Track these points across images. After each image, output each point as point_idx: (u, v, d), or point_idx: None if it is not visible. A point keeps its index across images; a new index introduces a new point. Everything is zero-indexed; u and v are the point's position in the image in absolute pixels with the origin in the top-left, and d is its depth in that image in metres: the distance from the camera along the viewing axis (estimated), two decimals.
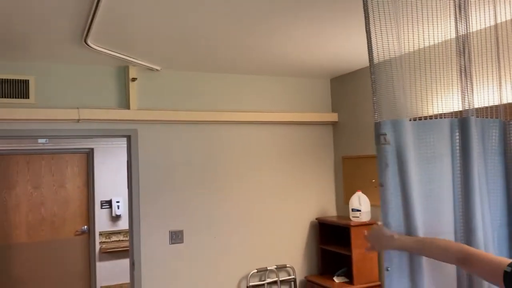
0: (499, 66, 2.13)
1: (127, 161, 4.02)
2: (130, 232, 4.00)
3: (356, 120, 4.43)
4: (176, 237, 4.04)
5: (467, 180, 1.97)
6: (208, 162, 4.21)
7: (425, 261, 1.81)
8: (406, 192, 1.80)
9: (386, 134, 1.79)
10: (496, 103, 2.14)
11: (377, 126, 1.80)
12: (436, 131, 1.94)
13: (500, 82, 2.13)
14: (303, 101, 4.64)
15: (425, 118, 1.97)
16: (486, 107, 2.13)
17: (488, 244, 1.98)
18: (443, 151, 1.94)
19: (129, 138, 3.96)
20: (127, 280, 4.20)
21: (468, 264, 1.55)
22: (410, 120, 1.91)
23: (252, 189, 4.36)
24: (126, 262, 5.65)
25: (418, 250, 1.70)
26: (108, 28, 2.89)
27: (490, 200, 2.02)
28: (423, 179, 1.90)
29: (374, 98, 1.79)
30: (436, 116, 2.00)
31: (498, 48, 2.12)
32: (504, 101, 2.13)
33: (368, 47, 1.83)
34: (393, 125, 1.82)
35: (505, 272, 1.38)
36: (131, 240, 3.97)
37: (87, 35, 2.96)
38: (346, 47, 3.53)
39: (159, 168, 4.02)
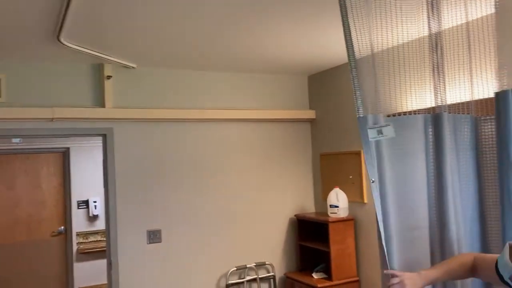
0: (470, 63, 2.16)
1: (103, 160, 3.97)
2: (107, 232, 3.95)
3: (334, 117, 4.46)
4: (154, 236, 4.00)
5: (441, 175, 2.01)
6: (185, 160, 4.18)
7: None
8: (386, 187, 1.82)
9: (385, 126, 1.79)
10: (468, 99, 2.18)
11: (364, 120, 1.81)
12: (410, 127, 1.97)
13: (471, 79, 2.17)
14: (280, 98, 4.65)
15: (399, 114, 2.00)
16: (458, 103, 2.16)
17: (460, 238, 2.02)
18: (417, 147, 1.98)
19: (104, 137, 3.90)
20: (106, 281, 4.16)
21: (475, 269, 1.60)
22: (388, 116, 1.93)
23: (230, 187, 4.35)
24: (104, 262, 5.56)
25: (446, 278, 1.73)
26: (82, 25, 2.83)
27: (463, 195, 2.05)
28: (398, 175, 1.93)
29: (357, 93, 1.80)
30: (410, 112, 2.03)
31: (469, 45, 2.16)
32: (476, 97, 2.17)
33: (346, 44, 1.84)
34: (375, 121, 1.83)
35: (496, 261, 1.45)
36: (108, 240, 3.92)
37: (59, 32, 2.91)
38: (323, 44, 3.55)
39: (136, 167, 3.98)
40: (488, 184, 2.10)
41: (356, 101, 1.79)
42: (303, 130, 4.76)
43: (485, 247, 2.11)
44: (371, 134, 1.76)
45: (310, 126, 4.79)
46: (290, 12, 2.78)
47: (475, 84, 2.16)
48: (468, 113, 2.14)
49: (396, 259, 1.86)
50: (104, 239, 6.22)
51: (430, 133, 2.03)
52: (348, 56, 1.81)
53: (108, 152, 3.89)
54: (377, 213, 1.78)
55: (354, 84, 1.79)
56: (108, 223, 3.89)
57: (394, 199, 1.88)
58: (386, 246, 1.81)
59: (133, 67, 3.94)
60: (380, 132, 1.75)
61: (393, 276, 1.70)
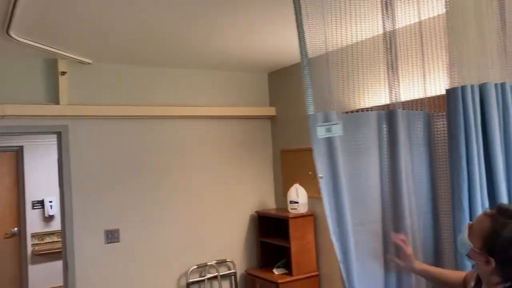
0: (423, 61, 2.22)
1: (58, 159, 3.84)
2: (62, 232, 3.83)
3: (294, 114, 4.49)
4: (112, 236, 3.92)
5: (395, 170, 2.05)
6: (144, 158, 4.10)
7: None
8: (338, 183, 1.84)
9: (337, 124, 1.81)
10: (421, 96, 2.24)
11: (314, 117, 1.82)
12: (364, 123, 2.01)
13: (424, 76, 2.23)
14: (241, 95, 4.64)
15: (354, 111, 2.03)
16: (412, 100, 2.22)
17: (414, 231, 2.08)
18: (371, 143, 2.01)
19: (59, 134, 3.78)
20: (62, 283, 4.04)
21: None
22: (343, 113, 1.96)
23: (191, 184, 4.31)
24: (61, 264, 5.42)
25: (433, 277, 1.89)
26: (33, 19, 2.73)
27: (416, 190, 2.11)
28: (352, 170, 1.96)
29: (308, 91, 1.81)
30: (364, 109, 2.06)
31: (422, 44, 2.22)
32: (428, 94, 2.23)
33: (300, 44, 1.85)
34: (326, 118, 1.85)
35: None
36: (63, 241, 3.81)
37: (9, 25, 2.78)
38: (283, 41, 3.56)
39: (92, 165, 3.87)
40: (440, 179, 2.17)
41: (307, 98, 1.81)
42: (263, 127, 4.77)
43: (437, 240, 2.17)
44: (320, 131, 1.78)
45: (271, 123, 4.81)
46: (249, 8, 2.77)
47: (428, 82, 2.22)
48: (421, 110, 2.20)
49: (352, 254, 1.88)
50: (61, 240, 6.04)
51: (385, 129, 2.08)
52: (301, 53, 1.82)
53: (63, 151, 3.77)
54: (325, 209, 1.81)
55: (305, 81, 1.80)
56: (64, 223, 3.77)
57: (349, 194, 1.91)
58: (342, 241, 1.84)
59: (88, 63, 3.83)
60: (329, 130, 1.78)
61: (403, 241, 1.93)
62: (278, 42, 3.58)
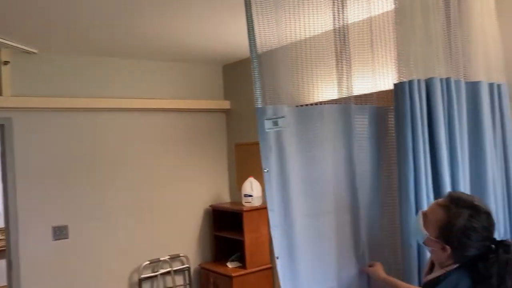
0: (373, 56, 2.26)
1: (1, 153, 3.66)
2: (6, 229, 3.67)
3: (249, 107, 4.48)
4: (60, 232, 3.78)
5: (349, 163, 2.08)
6: (94, 151, 3.98)
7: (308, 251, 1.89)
8: (287, 176, 1.85)
9: (282, 117, 1.81)
10: (371, 90, 2.28)
11: (262, 111, 1.80)
12: (317, 117, 2.02)
13: (374, 71, 2.27)
14: (195, 88, 4.58)
15: (307, 105, 2.04)
16: (362, 95, 2.26)
17: (365, 222, 2.12)
18: (324, 136, 2.03)
19: (2, 127, 3.60)
20: (5, 283, 3.86)
21: None
22: (295, 106, 1.96)
23: (143, 178, 4.23)
24: (3, 262, 5.18)
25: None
26: None
27: (366, 181, 2.15)
28: (305, 164, 1.97)
29: (257, 84, 1.79)
30: (317, 103, 2.08)
31: (372, 39, 2.26)
32: (378, 89, 2.27)
33: (249, 36, 1.83)
34: (276, 111, 1.84)
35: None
36: (7, 238, 3.65)
37: None
38: (237, 33, 3.53)
39: (38, 159, 3.71)
40: (391, 172, 2.22)
41: (255, 91, 1.79)
42: (218, 121, 4.74)
43: (386, 233, 2.23)
44: (267, 125, 1.78)
45: (225, 117, 4.79)
46: (207, 1, 2.73)
47: (377, 77, 2.27)
48: (372, 104, 2.24)
49: (300, 245, 1.89)
50: (4, 237, 5.78)
51: (337, 123, 2.10)
52: (250, 46, 1.80)
53: (6, 144, 3.60)
54: (268, 203, 1.80)
55: (254, 74, 1.78)
56: (8, 219, 3.61)
57: (299, 188, 1.92)
58: (287, 234, 1.83)
59: (34, 53, 3.66)
60: (275, 123, 1.77)
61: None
62: (233, 34, 3.55)
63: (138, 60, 4.23)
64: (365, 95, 2.25)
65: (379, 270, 2.01)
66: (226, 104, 4.69)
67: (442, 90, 2.06)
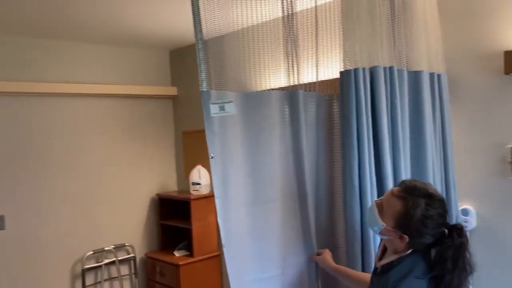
0: (320, 44, 2.28)
1: None
2: None
3: (196, 94, 4.33)
4: None
5: (296, 150, 2.10)
6: (33, 138, 3.79)
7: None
8: (233, 163, 1.83)
9: (230, 102, 1.78)
10: (319, 78, 2.30)
11: (207, 95, 1.76)
12: (265, 103, 2.01)
13: (321, 59, 2.29)
14: (141, 73, 4.46)
15: (255, 92, 2.03)
16: (310, 83, 2.27)
17: (312, 209, 2.15)
18: (271, 123, 2.03)
19: None
20: None
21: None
22: (242, 92, 1.94)
23: (87, 166, 4.08)
24: None
25: (344, 276, 1.98)
26: None
27: (314, 168, 2.18)
28: (253, 150, 1.96)
29: (202, 67, 1.75)
30: (265, 90, 2.07)
31: (317, 27, 2.27)
32: (325, 77, 2.30)
33: (194, 20, 1.79)
34: (222, 96, 1.81)
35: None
36: None
37: None
38: (184, 18, 3.44)
39: None
40: (336, 158, 2.27)
41: (200, 74, 1.75)
42: (164, 107, 4.65)
43: (331, 219, 2.27)
44: (213, 109, 1.74)
45: (172, 103, 4.70)
46: None
47: (324, 65, 2.29)
48: (319, 91, 2.26)
49: (245, 233, 1.89)
50: None
51: (286, 109, 2.10)
52: (195, 29, 1.76)
53: None
54: (215, 190, 1.77)
55: (199, 56, 1.74)
56: None
57: (246, 174, 1.91)
58: (233, 221, 1.82)
59: None
60: (222, 108, 1.74)
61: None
62: (180, 19, 3.47)
63: (82, 43, 4.06)
64: (312, 83, 2.27)
65: (327, 259, 2.02)
66: (173, 91, 4.60)
67: (385, 79, 2.11)
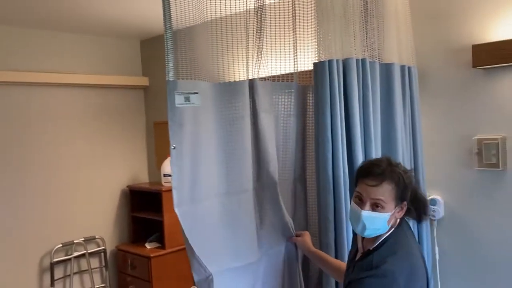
0: (295, 35, 2.29)
1: None
2: None
3: None
4: None
5: (269, 140, 2.10)
6: None
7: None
8: (196, 153, 1.79)
9: (195, 93, 1.75)
10: (293, 69, 2.31)
11: (174, 85, 1.73)
12: (236, 94, 2.00)
13: (295, 50, 2.30)
14: (111, 63, 4.37)
15: (223, 82, 2.02)
16: (284, 74, 2.28)
17: (288, 198, 2.17)
18: (244, 113, 2.02)
19: None
20: None
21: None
22: (211, 83, 1.93)
23: (56, 157, 3.98)
24: None
25: (321, 261, 2.02)
26: None
27: (289, 157, 2.20)
28: (224, 140, 1.94)
29: (170, 56, 1.72)
30: (236, 81, 2.06)
31: (294, 18, 2.28)
32: (300, 68, 2.31)
33: (163, 7, 1.76)
34: (190, 87, 1.78)
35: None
36: None
37: None
38: (155, 8, 3.40)
39: None
40: (309, 150, 2.29)
41: (167, 63, 1.71)
42: (135, 98, 4.58)
43: (305, 209, 2.30)
44: (178, 100, 1.71)
45: (143, 94, 4.63)
46: None
47: (299, 56, 2.31)
48: (293, 81, 2.27)
49: (217, 223, 1.88)
50: None
51: (255, 99, 2.09)
52: (164, 18, 1.73)
53: None
54: (173, 181, 1.70)
55: (167, 46, 1.71)
56: None
57: (215, 165, 1.89)
58: (197, 213, 1.79)
59: None
60: (187, 99, 1.72)
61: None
62: (151, 8, 3.42)
63: (50, 32, 3.94)
64: (286, 74, 2.28)
65: (306, 241, 2.05)
66: (144, 81, 4.54)
67: (358, 70, 2.14)
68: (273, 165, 2.07)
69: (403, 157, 2.34)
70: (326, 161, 2.04)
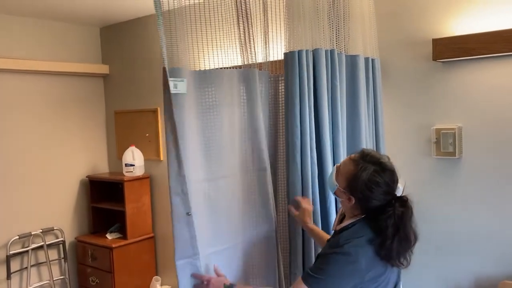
0: (269, 26, 2.33)
1: None
2: None
3: (130, 73, 4.30)
4: None
5: (250, 127, 2.14)
6: None
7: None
8: (188, 140, 1.82)
9: (182, 80, 1.76)
10: (266, 59, 2.35)
11: (166, 72, 1.75)
12: (219, 81, 2.02)
13: (267, 41, 2.33)
14: (70, 50, 4.24)
15: (208, 70, 2.03)
16: (262, 62, 2.32)
17: (266, 183, 2.21)
18: (226, 101, 2.05)
19: None
20: None
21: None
22: (197, 70, 1.94)
23: (11, 147, 3.83)
24: None
25: (314, 234, 2.08)
26: None
27: (268, 144, 2.25)
28: (205, 127, 1.96)
29: (162, 43, 1.73)
30: (219, 68, 2.08)
31: (266, 8, 2.31)
32: (273, 58, 2.35)
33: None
34: (176, 74, 1.79)
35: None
36: None
37: None
38: None
39: None
40: (280, 138, 2.35)
41: (162, 51, 1.72)
42: (95, 86, 4.47)
43: (275, 191, 2.35)
44: (171, 87, 1.74)
45: (103, 82, 4.53)
46: None
47: (272, 46, 2.34)
48: (267, 71, 2.32)
49: (203, 207, 1.91)
50: None
51: (240, 87, 2.13)
52: (155, 4, 1.72)
53: None
54: (170, 166, 1.75)
55: (160, 33, 1.71)
56: None
57: (202, 151, 1.92)
58: (185, 199, 1.82)
59: None
60: (175, 86, 1.75)
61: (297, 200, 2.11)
62: None
63: (5, 15, 3.77)
64: (264, 63, 2.32)
65: (305, 217, 2.07)
66: (104, 69, 4.44)
67: (326, 61, 2.20)
68: (248, 153, 2.12)
69: (366, 146, 2.43)
70: (295, 149, 2.09)
